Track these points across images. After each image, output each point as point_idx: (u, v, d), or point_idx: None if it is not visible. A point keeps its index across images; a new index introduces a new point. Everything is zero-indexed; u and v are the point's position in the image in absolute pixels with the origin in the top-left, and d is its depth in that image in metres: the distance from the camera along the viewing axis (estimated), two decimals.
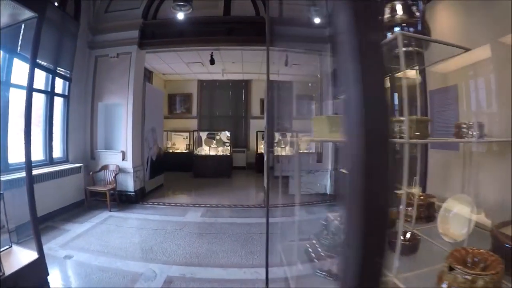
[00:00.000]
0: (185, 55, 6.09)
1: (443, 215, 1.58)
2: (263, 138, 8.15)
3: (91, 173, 4.33)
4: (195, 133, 7.99)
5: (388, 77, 1.84)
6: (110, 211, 4.03)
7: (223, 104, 8.94)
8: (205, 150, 7.78)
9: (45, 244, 2.51)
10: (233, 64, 6.85)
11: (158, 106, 6.03)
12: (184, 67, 7.07)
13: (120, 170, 4.43)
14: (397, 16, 1.57)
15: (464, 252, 1.22)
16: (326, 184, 5.14)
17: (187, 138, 8.31)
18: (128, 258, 2.72)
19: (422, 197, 1.87)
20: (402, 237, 1.46)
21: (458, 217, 1.57)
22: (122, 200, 4.41)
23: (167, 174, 6.28)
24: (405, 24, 1.54)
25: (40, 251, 1.91)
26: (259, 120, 8.42)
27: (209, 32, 4.81)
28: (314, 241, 1.39)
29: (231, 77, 8.15)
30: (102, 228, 3.47)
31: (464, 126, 1.57)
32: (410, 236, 1.52)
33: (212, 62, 5.95)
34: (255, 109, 8.77)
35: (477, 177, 1.78)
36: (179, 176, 7.09)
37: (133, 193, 4.59)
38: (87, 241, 3.07)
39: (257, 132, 8.49)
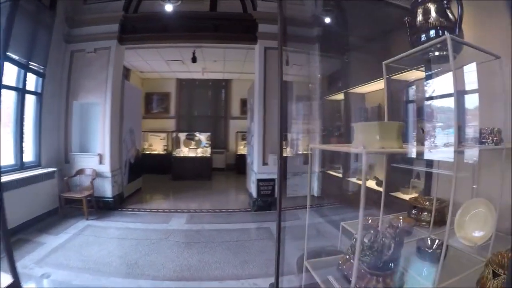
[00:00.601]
0: (165, 52, 5.84)
1: (460, 220, 1.56)
2: (243, 139, 8.07)
3: (65, 178, 4.01)
4: (173, 134, 7.71)
5: None
6: (88, 219, 3.76)
7: (202, 104, 8.75)
8: (184, 151, 7.56)
9: (19, 261, 2.26)
10: (215, 63, 6.67)
11: (136, 105, 5.76)
12: (163, 65, 6.80)
13: (97, 175, 4.13)
14: (433, 19, 1.58)
15: (500, 257, 1.24)
16: (313, 186, 5.09)
17: (164, 139, 8.00)
18: (113, 274, 2.50)
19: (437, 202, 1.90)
20: (430, 246, 1.49)
21: (476, 221, 1.56)
22: (100, 207, 4.11)
23: (144, 177, 5.99)
24: (440, 27, 1.54)
25: (15, 273, 1.66)
26: (239, 121, 8.32)
27: (194, 27, 4.62)
28: (347, 257, 1.30)
29: (211, 76, 7.97)
30: (80, 239, 3.20)
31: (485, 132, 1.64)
32: (438, 243, 1.49)
33: (194, 60, 5.73)
34: (235, 109, 8.65)
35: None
36: (157, 179, 6.85)
37: (111, 199, 4.33)
38: (65, 255, 2.80)
39: (237, 132, 8.38)
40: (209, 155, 7.51)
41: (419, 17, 1.62)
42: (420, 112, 2.95)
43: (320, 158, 4.76)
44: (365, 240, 1.19)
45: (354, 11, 3.94)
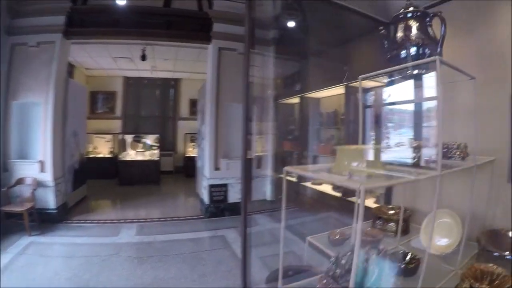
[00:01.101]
0: (114, 49, 5.53)
1: (425, 230, 1.65)
2: (191, 141, 7.95)
3: (4, 189, 3.60)
4: (120, 136, 7.31)
5: None
6: (30, 235, 3.41)
7: (150, 104, 8.42)
8: (131, 154, 7.20)
9: None
10: (165, 61, 6.46)
11: (81, 105, 5.37)
12: (110, 62, 6.41)
13: (39, 184, 3.74)
14: (415, 36, 1.60)
15: (474, 270, 1.31)
16: (266, 190, 5.19)
17: (110, 141, 7.53)
18: None
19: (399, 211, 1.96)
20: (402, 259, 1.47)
21: (442, 230, 1.66)
22: (43, 220, 3.74)
23: (89, 183, 5.63)
24: (422, 45, 1.57)
25: None
26: (188, 122, 8.17)
27: (146, 24, 4.41)
28: (325, 281, 1.25)
29: (160, 75, 7.69)
30: (23, 260, 2.91)
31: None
32: (411, 257, 1.51)
33: (143, 58, 5.50)
34: (184, 109, 8.45)
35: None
36: (103, 185, 6.46)
37: (55, 211, 3.99)
38: (8, 279, 2.51)
39: (185, 134, 8.22)
40: (157, 158, 7.24)
41: (400, 33, 1.64)
42: (377, 116, 3.33)
43: (272, 161, 4.86)
44: (343, 262, 1.17)
45: (316, 16, 3.99)
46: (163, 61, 6.41)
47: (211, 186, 4.59)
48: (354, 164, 1.22)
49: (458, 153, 1.72)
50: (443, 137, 1.49)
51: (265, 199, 4.99)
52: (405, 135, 2.99)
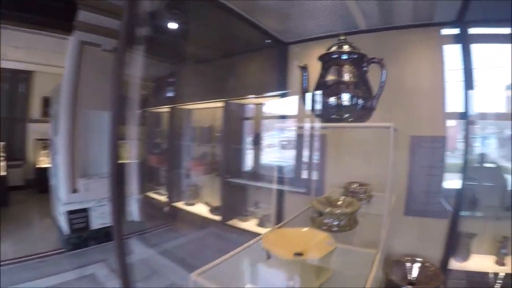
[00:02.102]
0: None
1: None
2: (44, 148, 6.75)
3: None
4: None
5: None
6: None
7: None
8: None
9: None
10: (16, 49, 5.29)
11: None
12: None
13: None
14: (349, 85, 1.43)
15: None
16: (132, 210, 4.54)
17: None
18: None
19: None
20: None
21: None
22: None
23: None
24: (356, 96, 1.42)
25: None
26: (40, 124, 6.87)
27: None
28: None
29: (7, 65, 6.15)
30: None
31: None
32: None
33: None
34: (36, 109, 7.10)
35: None
36: None
37: None
38: None
39: (36, 140, 6.90)
40: (4, 173, 5.86)
41: (332, 76, 1.46)
42: (256, 125, 3.50)
43: (138, 177, 4.28)
44: None
45: (203, 22, 3.71)
46: (12, 48, 5.22)
47: (70, 212, 3.93)
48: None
49: (365, 196, 1.97)
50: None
51: (133, 220, 4.35)
52: None
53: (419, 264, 2.25)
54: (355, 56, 1.49)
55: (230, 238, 3.65)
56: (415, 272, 2.23)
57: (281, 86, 3.31)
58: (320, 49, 2.92)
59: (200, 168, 3.99)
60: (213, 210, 3.83)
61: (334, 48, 1.52)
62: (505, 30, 2.47)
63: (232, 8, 2.67)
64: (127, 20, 1.93)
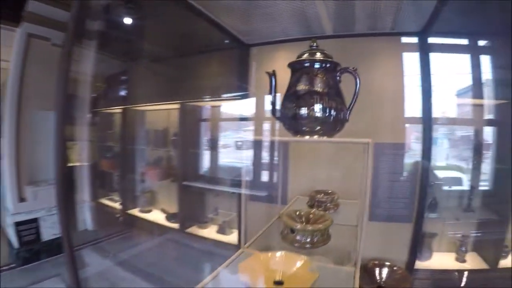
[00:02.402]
0: None
1: None
2: None
3: None
4: None
5: None
6: None
7: None
8: None
9: None
10: None
11: None
12: None
13: None
14: (322, 97, 1.34)
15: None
16: (85, 218, 4.26)
17: None
18: None
19: None
20: None
21: None
22: None
23: None
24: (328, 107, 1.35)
25: None
26: None
27: None
28: None
29: None
30: None
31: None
32: None
33: None
34: None
35: None
36: None
37: None
38: None
39: None
40: None
41: (303, 85, 1.37)
42: (214, 128, 3.44)
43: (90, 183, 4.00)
44: None
45: (160, 18, 3.49)
46: None
47: (18, 223, 3.59)
48: None
49: (332, 206, 2.06)
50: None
51: (86, 228, 4.09)
52: None
53: (387, 269, 2.32)
54: (328, 65, 1.41)
55: (189, 245, 3.52)
56: (383, 276, 2.29)
57: (240, 87, 3.20)
58: (282, 52, 2.92)
59: (155, 173, 3.78)
60: (170, 217, 3.63)
61: (306, 56, 1.43)
62: (462, 41, 2.76)
63: (193, 4, 2.49)
64: (77, 12, 1.79)
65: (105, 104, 4.42)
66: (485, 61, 2.74)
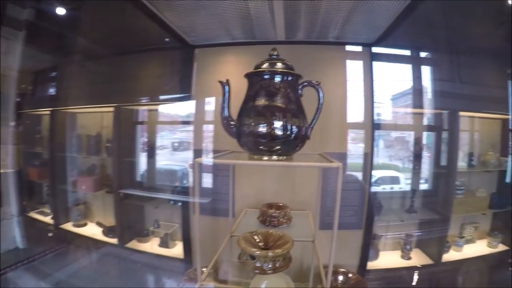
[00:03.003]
0: None
1: None
2: None
3: None
4: None
5: None
6: None
7: None
8: None
9: None
10: None
11: None
12: None
13: None
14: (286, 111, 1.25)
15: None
16: (15, 235, 3.81)
17: None
18: None
19: None
20: None
21: None
22: None
23: None
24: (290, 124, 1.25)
25: None
26: None
27: None
28: None
29: None
30: None
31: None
32: None
33: None
34: None
35: None
36: None
37: None
38: None
39: None
40: None
41: (262, 100, 1.27)
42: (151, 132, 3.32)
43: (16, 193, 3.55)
44: None
45: (97, 11, 3.12)
46: None
47: None
48: None
49: (285, 220, 2.10)
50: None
51: (17, 246, 3.64)
52: None
53: (341, 276, 2.36)
54: (290, 78, 1.29)
55: (131, 260, 3.26)
56: (339, 283, 2.33)
57: (182, 89, 2.97)
58: (231, 57, 2.76)
59: (89, 183, 3.42)
60: (108, 231, 3.32)
61: (266, 66, 1.29)
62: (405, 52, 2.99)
63: None
64: None
65: (32, 105, 3.94)
66: (426, 72, 2.98)
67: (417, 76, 2.95)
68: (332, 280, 2.23)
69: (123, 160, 3.23)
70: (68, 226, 3.57)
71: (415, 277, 2.92)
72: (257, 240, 1.60)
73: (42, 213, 3.77)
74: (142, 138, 3.39)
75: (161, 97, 3.23)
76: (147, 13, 2.34)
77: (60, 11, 3.36)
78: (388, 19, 2.22)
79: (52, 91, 3.90)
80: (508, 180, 3.12)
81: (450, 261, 2.99)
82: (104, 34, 3.38)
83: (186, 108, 2.98)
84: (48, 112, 3.69)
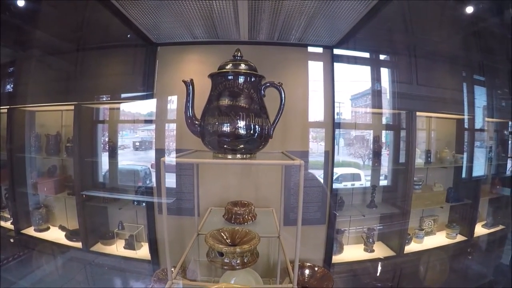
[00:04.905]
0: None
1: None
2: None
3: None
4: None
5: None
6: None
7: None
8: None
9: None
10: None
11: None
12: None
13: None
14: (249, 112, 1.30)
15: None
16: None
17: None
18: None
19: None
20: None
21: None
22: None
23: None
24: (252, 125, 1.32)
25: None
26: None
27: None
28: None
29: None
30: None
31: None
32: None
33: None
34: None
35: None
36: None
37: None
38: None
39: None
40: None
41: (226, 100, 1.32)
42: (113, 131, 3.25)
43: None
44: None
45: (58, 4, 3.09)
46: None
47: None
48: None
49: (250, 217, 2.15)
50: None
51: None
52: None
53: (307, 270, 2.42)
54: (253, 79, 1.35)
55: (97, 264, 3.20)
56: (306, 277, 2.38)
57: (144, 87, 2.93)
58: (194, 56, 2.81)
59: (49, 185, 3.32)
60: (71, 235, 3.24)
61: (229, 67, 1.35)
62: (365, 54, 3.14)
63: None
64: None
65: None
66: (385, 74, 3.16)
67: (376, 78, 3.12)
68: (298, 274, 2.31)
69: (84, 160, 3.17)
70: (30, 231, 3.46)
71: (379, 268, 3.10)
72: (224, 237, 1.67)
73: (1, 218, 3.63)
74: (103, 138, 3.34)
75: (123, 95, 3.19)
76: (110, 9, 2.31)
77: (20, 2, 3.26)
78: (350, 23, 2.34)
79: (9, 87, 3.74)
80: (463, 175, 3.36)
81: (412, 252, 3.19)
82: (65, 29, 3.32)
83: (148, 106, 2.97)
84: (5, 110, 3.55)
